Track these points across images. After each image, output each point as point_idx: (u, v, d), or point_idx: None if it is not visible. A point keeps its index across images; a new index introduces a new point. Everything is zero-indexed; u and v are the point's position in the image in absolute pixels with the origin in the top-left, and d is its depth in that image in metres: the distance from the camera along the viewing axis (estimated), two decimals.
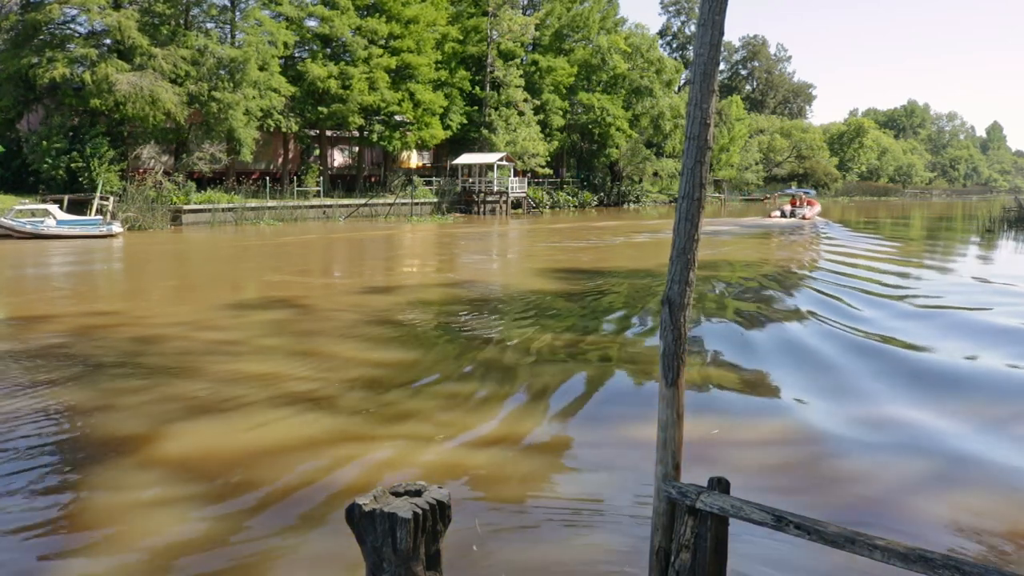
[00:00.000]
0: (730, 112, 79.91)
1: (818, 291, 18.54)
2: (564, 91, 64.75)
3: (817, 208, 55.62)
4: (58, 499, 6.42)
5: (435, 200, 53.79)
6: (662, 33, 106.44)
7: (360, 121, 49.33)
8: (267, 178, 48.86)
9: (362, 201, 49.92)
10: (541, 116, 61.68)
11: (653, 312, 15.26)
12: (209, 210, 41.20)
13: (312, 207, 46.96)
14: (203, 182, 44.73)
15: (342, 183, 54.27)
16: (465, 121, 57.76)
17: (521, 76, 59.82)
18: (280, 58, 46.33)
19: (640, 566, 4.85)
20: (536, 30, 62.30)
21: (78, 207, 34.74)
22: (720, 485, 3.94)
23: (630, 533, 5.70)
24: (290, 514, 6.15)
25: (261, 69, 43.00)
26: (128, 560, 5.45)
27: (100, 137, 38.72)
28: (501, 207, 55.29)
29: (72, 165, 37.84)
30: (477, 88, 58.48)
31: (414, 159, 62.42)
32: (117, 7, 39.47)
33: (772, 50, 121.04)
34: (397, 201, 50.78)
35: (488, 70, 58.99)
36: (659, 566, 4.08)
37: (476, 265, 26.24)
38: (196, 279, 22.02)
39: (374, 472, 6.97)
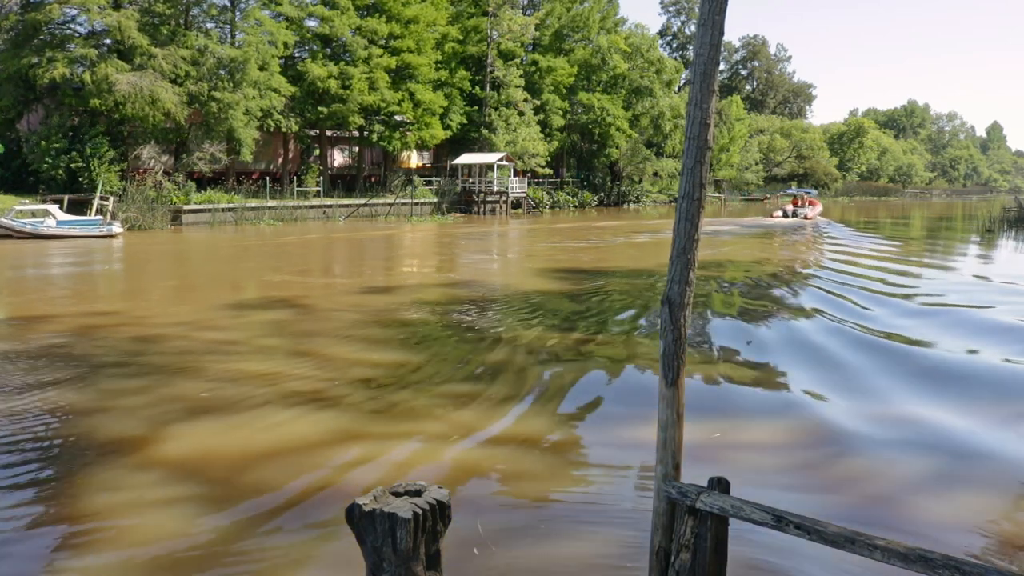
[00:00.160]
0: (730, 112, 79.91)
1: (824, 289, 18.70)
2: (564, 91, 64.75)
3: (819, 208, 55.66)
4: (58, 499, 6.42)
5: (435, 200, 53.79)
6: (662, 33, 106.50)
7: (360, 121, 49.33)
8: (267, 178, 48.87)
9: (362, 201, 49.92)
10: (541, 116, 61.68)
11: (656, 312, 15.28)
12: (209, 210, 41.20)
13: (312, 207, 46.96)
14: (203, 182, 44.73)
15: (342, 183, 54.27)
16: (465, 121, 57.76)
17: (521, 76, 59.82)
18: (280, 58, 46.34)
19: (640, 566, 4.85)
20: (536, 30, 62.30)
21: (78, 207, 34.75)
22: (720, 485, 3.94)
23: (630, 533, 5.70)
24: (290, 514, 6.15)
25: (261, 69, 43.01)
26: (128, 560, 5.45)
27: (100, 137, 38.73)
28: (501, 207, 55.29)
29: (72, 165, 37.84)
30: (477, 88, 58.48)
31: (414, 159, 62.43)
32: (117, 7, 39.47)
33: (772, 50, 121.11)
34: (397, 201, 50.78)
35: (488, 70, 59.00)
36: (659, 566, 4.08)
37: (477, 265, 26.24)
38: (196, 279, 22.02)
39: (372, 472, 6.97)
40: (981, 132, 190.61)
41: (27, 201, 35.02)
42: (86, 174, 37.69)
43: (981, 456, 7.64)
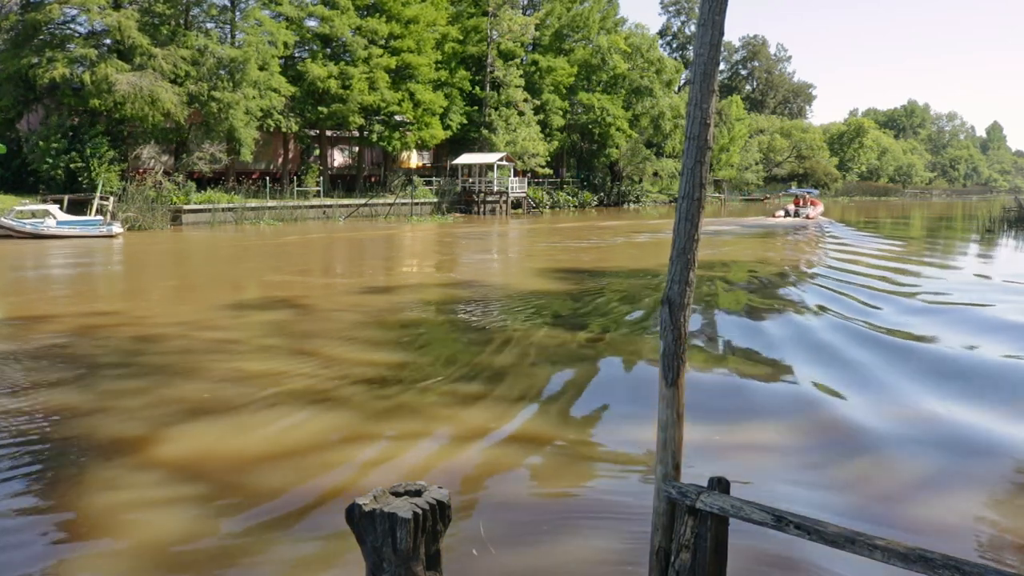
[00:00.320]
0: (730, 112, 79.90)
1: (830, 289, 18.90)
2: (564, 91, 64.74)
3: (820, 208, 55.87)
4: (59, 499, 6.42)
5: (435, 200, 53.79)
6: (662, 33, 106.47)
7: (360, 121, 49.33)
8: (267, 178, 48.86)
9: (362, 201, 49.92)
10: (541, 116, 61.67)
11: (657, 311, 15.32)
12: (209, 210, 41.20)
13: (312, 207, 46.96)
14: (203, 182, 44.73)
15: (342, 183, 54.26)
16: (465, 121, 57.75)
17: (521, 76, 59.81)
18: (280, 58, 46.33)
19: (640, 566, 4.84)
20: (536, 30, 62.28)
21: (78, 207, 34.74)
22: (720, 485, 3.94)
23: (630, 533, 5.70)
24: (291, 515, 6.15)
25: (261, 69, 43.01)
26: (128, 560, 5.45)
27: (100, 137, 38.72)
28: (501, 207, 55.28)
29: (72, 165, 37.84)
30: (477, 88, 58.47)
31: (414, 159, 62.41)
32: (117, 7, 39.46)
33: (772, 50, 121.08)
34: (397, 201, 50.78)
35: (488, 70, 58.99)
36: (659, 566, 4.08)
37: (477, 265, 26.24)
38: (196, 279, 22.02)
39: (373, 473, 6.97)
40: (981, 132, 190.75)
41: (27, 201, 35.02)
42: (86, 174, 37.68)
43: (994, 450, 7.80)
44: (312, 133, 51.82)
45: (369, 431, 8.12)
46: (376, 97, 48.59)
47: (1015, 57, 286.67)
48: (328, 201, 48.43)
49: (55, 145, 37.73)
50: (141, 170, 42.35)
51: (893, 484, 6.91)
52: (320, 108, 47.75)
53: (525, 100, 59.31)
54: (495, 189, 54.94)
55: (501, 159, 54.77)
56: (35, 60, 37.42)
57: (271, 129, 46.81)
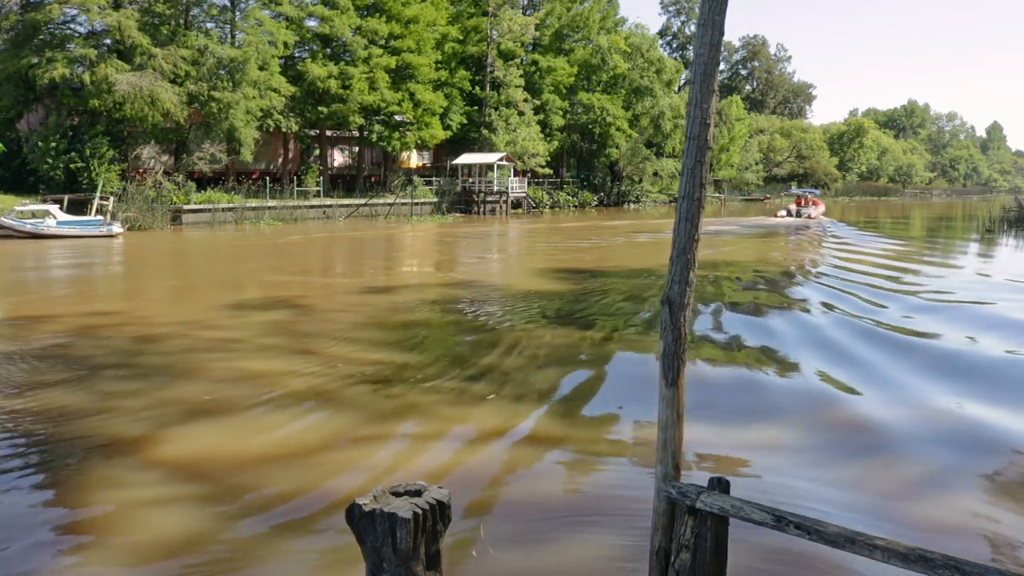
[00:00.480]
0: (730, 112, 79.90)
1: (834, 287, 19.11)
2: (564, 91, 64.73)
3: (822, 208, 56.16)
4: (59, 499, 6.43)
5: (435, 200, 53.78)
6: (662, 33, 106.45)
7: (360, 121, 49.33)
8: (267, 178, 48.86)
9: (362, 201, 49.92)
10: (541, 116, 61.66)
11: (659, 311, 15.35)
12: (209, 210, 41.19)
13: (312, 207, 46.95)
14: (203, 182, 44.72)
15: (342, 183, 54.26)
16: (465, 121, 57.74)
17: (521, 76, 59.80)
18: (280, 58, 46.32)
19: (640, 566, 4.85)
20: (536, 30, 62.27)
21: (78, 207, 34.75)
22: (720, 485, 3.94)
23: (630, 533, 5.70)
24: (292, 515, 6.15)
25: (261, 69, 43.00)
26: (128, 559, 5.46)
27: (100, 137, 38.71)
28: (501, 207, 55.28)
29: (72, 165, 37.83)
30: (477, 88, 58.46)
31: (414, 159, 62.41)
32: (117, 7, 39.45)
33: (772, 50, 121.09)
34: (397, 201, 50.78)
35: (488, 70, 58.98)
36: (659, 566, 4.08)
37: (478, 265, 26.24)
38: (196, 279, 22.02)
39: (373, 473, 6.97)
40: (981, 132, 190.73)
41: (27, 201, 35.02)
42: (86, 174, 37.68)
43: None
44: (312, 133, 51.82)
45: (369, 432, 8.12)
46: (376, 97, 48.58)
47: (1015, 57, 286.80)
48: (328, 201, 48.42)
49: (55, 145, 37.72)
50: (141, 170, 42.34)
51: (909, 479, 7.02)
52: (320, 108, 47.75)
53: (525, 100, 59.31)
54: (495, 189, 54.93)
55: (501, 159, 54.77)
56: (35, 60, 37.41)
57: (271, 129, 46.80)
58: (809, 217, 52.00)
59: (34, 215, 31.96)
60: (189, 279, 22.01)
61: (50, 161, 37.72)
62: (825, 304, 16.39)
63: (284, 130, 48.06)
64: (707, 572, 3.89)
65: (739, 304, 16.87)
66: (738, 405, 9.16)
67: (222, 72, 41.13)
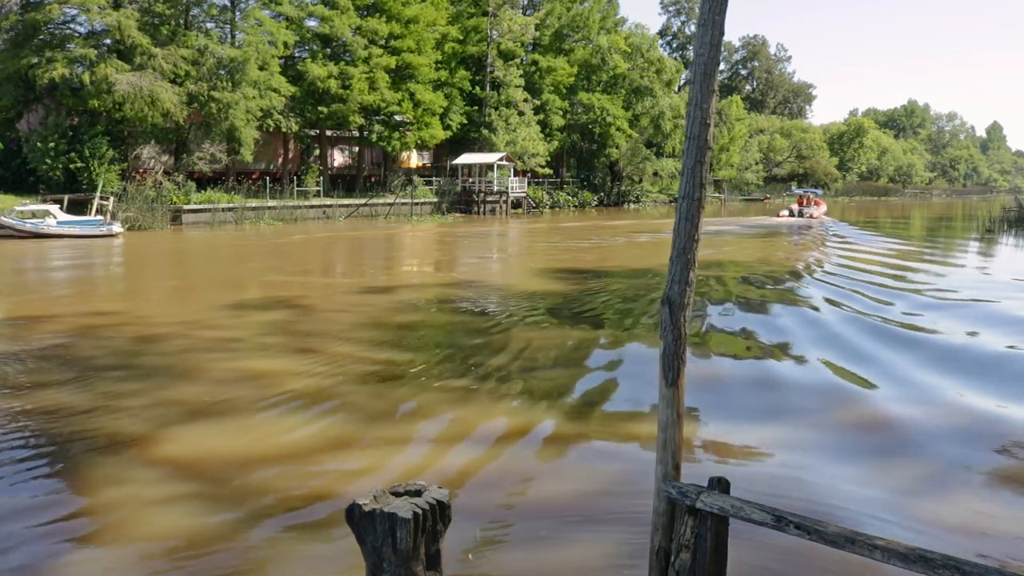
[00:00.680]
0: (730, 112, 79.89)
1: (840, 285, 19.28)
2: (564, 91, 64.71)
3: (823, 207, 56.31)
4: (59, 499, 6.42)
5: (435, 200, 53.77)
6: (662, 33, 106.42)
7: (360, 121, 49.31)
8: (267, 178, 48.84)
9: (362, 201, 49.90)
10: (541, 116, 61.64)
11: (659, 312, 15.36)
12: (209, 210, 41.18)
13: (312, 207, 46.94)
14: (203, 182, 44.70)
15: (342, 183, 54.24)
16: (465, 121, 57.72)
17: (521, 76, 59.78)
18: (280, 58, 46.30)
19: (640, 566, 4.84)
20: (536, 30, 62.25)
21: (78, 207, 34.74)
22: (720, 485, 3.94)
23: (630, 533, 5.70)
24: (292, 515, 6.15)
25: (261, 69, 42.98)
26: (128, 558, 5.45)
27: (100, 137, 38.69)
28: (501, 207, 55.27)
29: (72, 165, 37.81)
30: (477, 88, 58.44)
31: (414, 159, 62.39)
32: (117, 7, 39.43)
33: (772, 50, 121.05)
34: (397, 201, 50.77)
35: (488, 70, 58.96)
36: (659, 566, 4.08)
37: (478, 265, 26.24)
38: (196, 279, 22.02)
39: (374, 473, 6.97)
40: (981, 132, 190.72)
41: (27, 201, 35.02)
42: (86, 174, 37.66)
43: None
44: (312, 133, 51.80)
45: (369, 432, 8.11)
46: (376, 97, 48.57)
47: (1015, 57, 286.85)
48: (328, 201, 48.40)
49: (54, 145, 37.70)
50: (141, 170, 42.32)
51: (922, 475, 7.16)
52: (320, 108, 47.73)
53: (525, 100, 59.28)
54: (495, 189, 54.92)
55: (501, 159, 54.76)
56: (35, 60, 37.38)
57: (271, 129, 46.78)
58: (811, 217, 52.19)
59: (34, 215, 31.97)
60: (189, 279, 22.01)
61: (50, 161, 37.71)
62: (832, 301, 16.59)
63: (284, 130, 48.04)
64: (707, 572, 3.89)
65: (749, 301, 17.05)
66: (753, 401, 9.37)
67: (222, 72, 41.11)
